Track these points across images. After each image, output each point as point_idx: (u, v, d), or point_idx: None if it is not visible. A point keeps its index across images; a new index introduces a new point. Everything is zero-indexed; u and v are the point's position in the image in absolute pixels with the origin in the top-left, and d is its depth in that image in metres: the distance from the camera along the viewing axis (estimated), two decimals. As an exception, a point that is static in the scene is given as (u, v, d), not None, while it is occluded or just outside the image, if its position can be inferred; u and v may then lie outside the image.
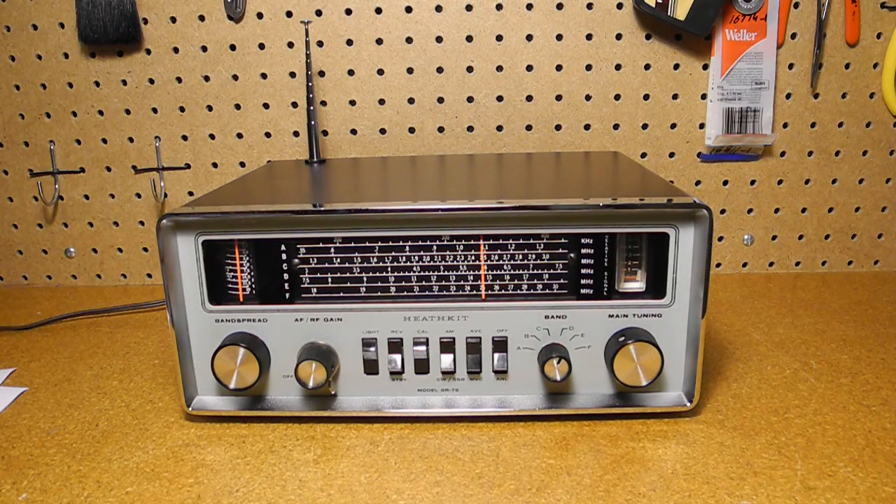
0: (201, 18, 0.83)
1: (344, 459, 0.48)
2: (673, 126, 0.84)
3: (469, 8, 0.82)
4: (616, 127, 0.85)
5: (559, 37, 0.82)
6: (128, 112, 0.86)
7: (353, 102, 0.85)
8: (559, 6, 0.81)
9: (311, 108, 0.77)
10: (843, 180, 0.86)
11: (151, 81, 0.85)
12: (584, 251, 0.50)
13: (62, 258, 0.90)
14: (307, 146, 0.86)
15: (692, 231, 0.49)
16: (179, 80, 0.85)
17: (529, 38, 0.82)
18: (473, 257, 0.50)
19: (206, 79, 0.85)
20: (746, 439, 0.49)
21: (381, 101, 0.85)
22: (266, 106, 0.85)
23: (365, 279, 0.51)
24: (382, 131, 0.85)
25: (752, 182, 0.86)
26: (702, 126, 0.84)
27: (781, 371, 0.60)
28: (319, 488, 0.45)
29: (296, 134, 0.86)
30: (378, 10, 0.82)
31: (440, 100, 0.84)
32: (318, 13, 0.82)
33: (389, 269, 0.51)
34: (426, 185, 0.58)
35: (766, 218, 0.87)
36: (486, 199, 0.50)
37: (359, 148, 0.86)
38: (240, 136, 0.86)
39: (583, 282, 0.51)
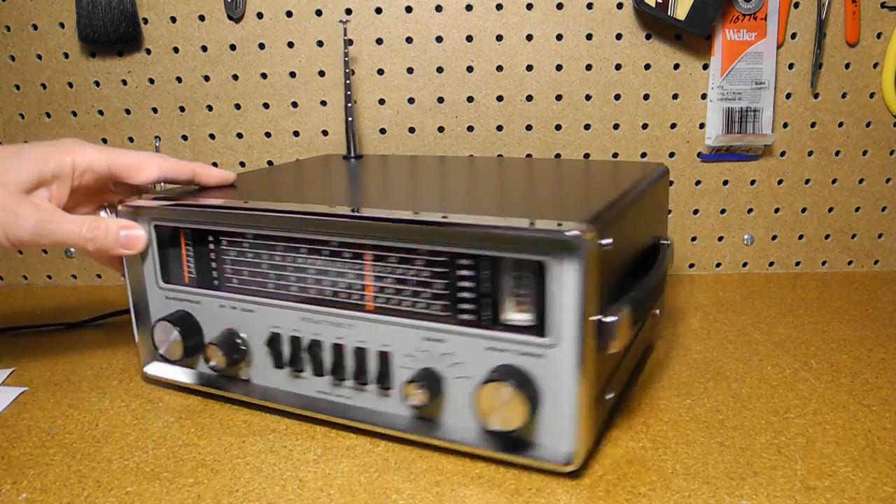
0: (201, 18, 0.83)
1: (344, 459, 0.48)
2: (673, 126, 0.84)
3: (469, 8, 0.82)
4: (616, 127, 0.85)
5: (559, 37, 0.82)
6: (128, 112, 0.86)
7: (353, 102, 0.85)
8: (559, 6, 0.81)
9: (349, 104, 0.79)
10: (843, 180, 0.86)
11: (151, 81, 0.85)
12: (462, 273, 0.46)
13: (62, 258, 0.90)
14: (307, 146, 0.86)
15: (567, 263, 0.42)
16: (179, 80, 0.85)
17: (529, 38, 0.82)
18: (360, 267, 0.49)
19: (206, 79, 0.85)
20: (746, 439, 0.49)
21: (381, 101, 0.85)
22: (266, 106, 0.85)
23: (271, 276, 0.53)
24: (382, 131, 0.85)
25: (752, 182, 0.86)
26: (702, 126, 0.84)
27: (781, 371, 0.60)
28: (319, 488, 0.45)
29: (296, 134, 0.86)
30: (378, 10, 0.82)
31: (440, 100, 0.84)
32: (318, 13, 0.82)
33: (289, 268, 0.52)
34: (367, 189, 0.59)
35: (766, 218, 0.87)
36: (373, 209, 0.49)
37: (359, 147, 0.86)
38: (240, 135, 0.86)
39: (462, 306, 0.46)
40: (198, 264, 0.56)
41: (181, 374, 0.59)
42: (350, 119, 0.79)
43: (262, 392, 0.55)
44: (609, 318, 0.43)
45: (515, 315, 0.45)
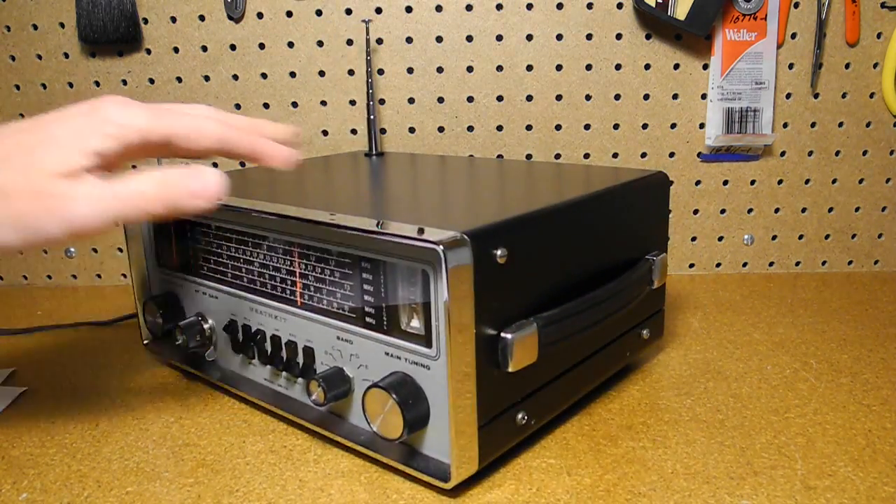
0: (201, 18, 0.83)
1: (344, 459, 0.48)
2: (673, 126, 0.84)
3: (469, 8, 0.82)
4: (616, 127, 0.85)
5: (559, 37, 0.82)
6: (128, 112, 0.86)
7: (353, 102, 0.85)
8: (559, 6, 0.81)
9: (371, 103, 0.80)
10: (843, 180, 0.86)
11: (151, 81, 0.85)
12: (365, 276, 0.45)
13: (62, 258, 0.90)
14: (307, 146, 0.86)
15: (442, 274, 0.39)
16: (179, 80, 0.85)
17: (529, 38, 0.82)
18: (290, 263, 0.50)
19: (206, 79, 0.85)
20: (746, 439, 0.49)
21: (382, 101, 0.85)
22: (266, 106, 0.85)
23: (230, 266, 0.56)
24: (383, 131, 0.85)
25: (752, 182, 0.86)
26: (702, 126, 0.84)
27: (781, 371, 0.60)
28: (319, 488, 0.45)
29: (296, 134, 0.86)
30: (378, 10, 0.82)
31: (440, 100, 0.84)
32: (318, 13, 0.82)
33: (241, 260, 0.54)
34: (340, 190, 0.59)
35: (766, 218, 0.87)
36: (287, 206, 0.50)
37: (359, 147, 0.86)
38: (240, 136, 0.86)
39: (367, 309, 0.46)
40: (179, 251, 0.60)
41: (170, 352, 0.63)
42: (372, 117, 0.80)
43: (224, 375, 0.58)
44: (506, 335, 0.42)
45: (412, 322, 0.43)
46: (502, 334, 0.43)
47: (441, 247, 0.39)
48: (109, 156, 0.41)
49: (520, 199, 0.51)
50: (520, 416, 0.46)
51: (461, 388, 0.41)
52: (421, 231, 0.41)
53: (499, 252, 0.42)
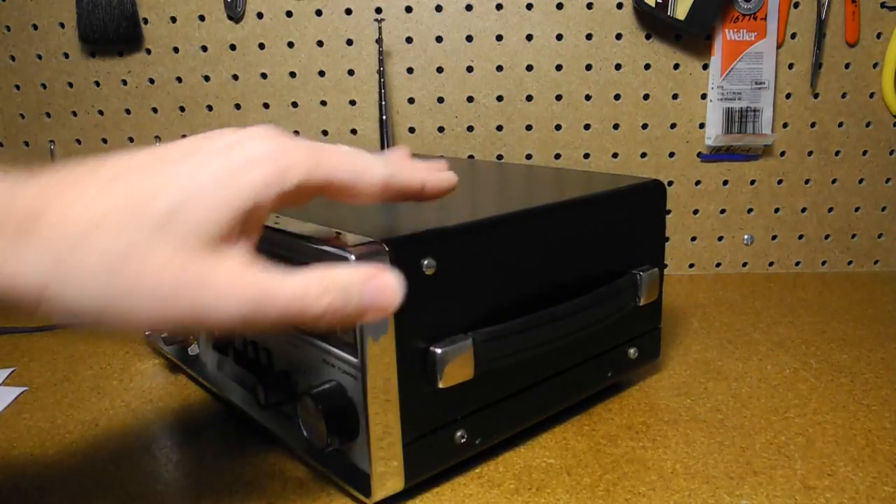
0: (201, 18, 0.83)
1: (344, 459, 0.48)
2: (673, 126, 0.85)
3: (469, 8, 0.82)
4: (616, 127, 0.85)
5: (559, 37, 0.82)
6: (128, 112, 0.86)
7: (353, 102, 0.85)
8: (559, 6, 0.81)
9: (384, 102, 0.80)
10: (843, 180, 0.86)
11: (151, 81, 0.85)
12: None
13: (62, 258, 0.90)
14: (307, 146, 0.86)
15: None
16: (179, 80, 0.85)
17: (529, 38, 0.82)
18: None
19: (206, 79, 0.85)
20: (746, 439, 0.49)
21: (381, 101, 0.85)
22: (266, 106, 0.85)
23: None
24: (382, 131, 0.86)
25: (752, 182, 0.86)
26: (702, 126, 0.84)
27: (781, 371, 0.60)
28: (319, 488, 0.45)
29: (296, 133, 0.86)
30: (378, 10, 0.82)
31: (440, 100, 0.84)
32: (318, 13, 0.82)
33: None
34: None
35: (766, 218, 0.87)
36: None
37: (359, 147, 0.86)
38: (240, 136, 0.86)
39: None
40: None
41: (166, 347, 0.63)
42: (384, 117, 0.80)
43: (205, 372, 0.57)
44: (435, 349, 0.41)
45: (349, 331, 0.41)
46: (431, 348, 0.41)
47: (352, 255, 0.37)
48: (257, 212, 0.31)
49: (469, 206, 0.48)
50: (458, 434, 0.44)
51: (380, 401, 0.40)
52: (336, 237, 0.39)
53: (426, 262, 0.39)
